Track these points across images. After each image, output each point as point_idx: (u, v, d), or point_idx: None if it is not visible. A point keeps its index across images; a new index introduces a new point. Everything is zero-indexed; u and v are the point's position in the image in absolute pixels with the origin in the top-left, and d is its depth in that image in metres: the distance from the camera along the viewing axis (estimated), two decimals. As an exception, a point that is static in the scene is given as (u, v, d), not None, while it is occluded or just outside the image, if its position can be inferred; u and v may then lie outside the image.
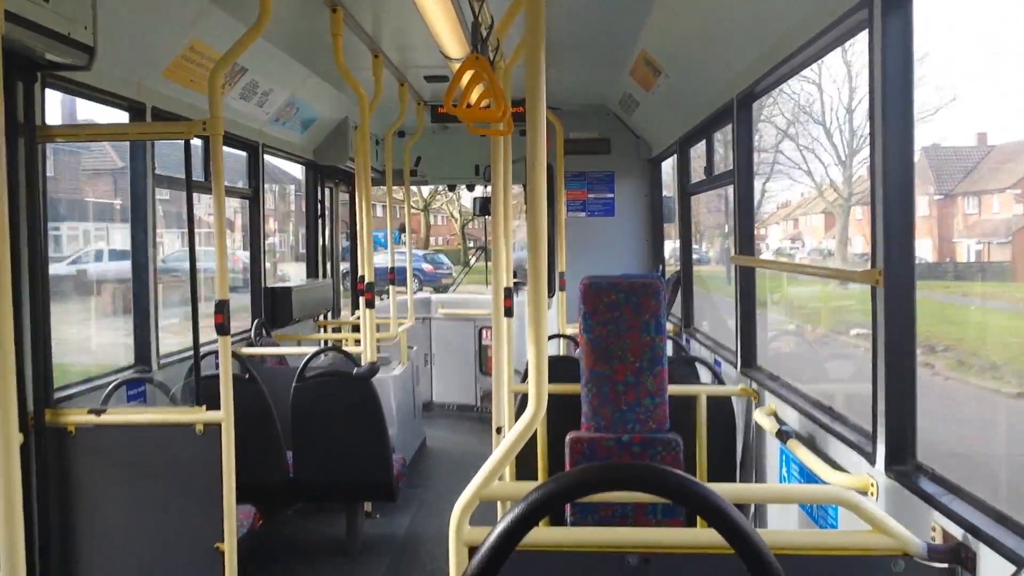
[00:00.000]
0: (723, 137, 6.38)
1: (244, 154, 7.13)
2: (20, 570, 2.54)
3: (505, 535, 1.25)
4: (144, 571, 4.18)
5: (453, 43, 5.40)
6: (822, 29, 3.55)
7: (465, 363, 10.62)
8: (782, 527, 4.30)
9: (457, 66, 4.57)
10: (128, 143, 5.18)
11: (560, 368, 4.75)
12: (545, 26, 2.36)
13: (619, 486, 1.28)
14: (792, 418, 4.12)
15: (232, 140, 6.56)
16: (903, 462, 2.94)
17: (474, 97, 3.93)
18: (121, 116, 4.94)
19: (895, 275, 2.96)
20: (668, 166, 8.90)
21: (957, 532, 2.44)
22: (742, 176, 5.18)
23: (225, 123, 4.11)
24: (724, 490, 2.72)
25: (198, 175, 5.71)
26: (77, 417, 4.10)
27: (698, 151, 7.20)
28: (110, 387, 4.60)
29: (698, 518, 3.57)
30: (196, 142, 4.50)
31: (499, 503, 3.51)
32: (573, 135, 9.05)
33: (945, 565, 2.26)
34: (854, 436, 3.40)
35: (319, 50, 5.47)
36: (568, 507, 3.82)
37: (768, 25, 4.22)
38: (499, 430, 4.30)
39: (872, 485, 3.07)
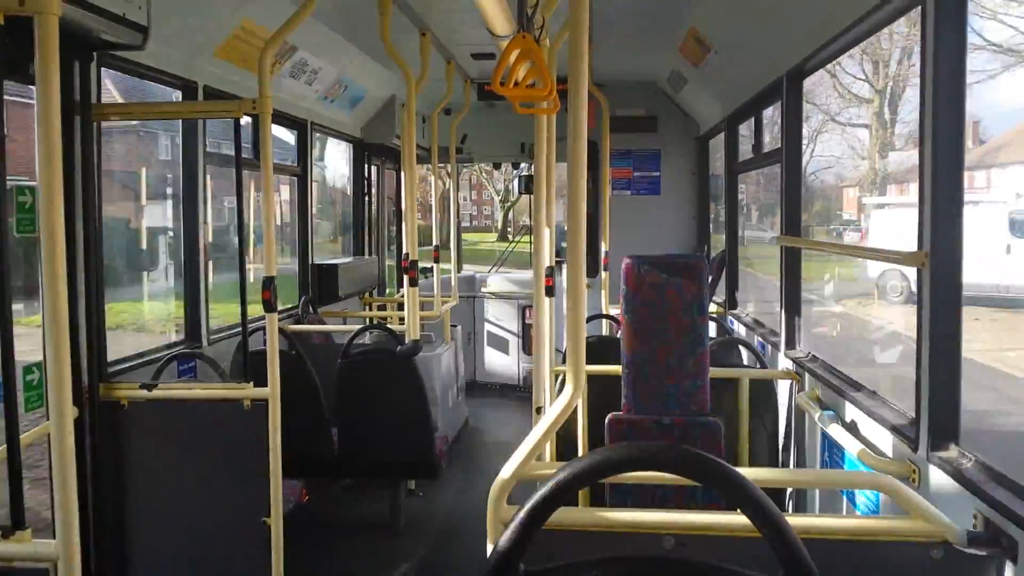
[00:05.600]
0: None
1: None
2: (74, 539, 2.62)
3: (531, 514, 1.26)
4: (194, 544, 4.28)
5: (499, 20, 5.37)
6: (874, 5, 3.47)
7: (509, 342, 10.67)
8: (824, 513, 4.28)
9: (504, 44, 4.57)
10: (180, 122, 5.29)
11: (603, 349, 4.74)
12: (591, 3, 2.35)
13: (646, 466, 1.28)
14: (835, 401, 4.09)
15: (281, 118, 6.65)
16: (946, 448, 2.90)
17: (521, 75, 3.92)
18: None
19: (942, 257, 2.91)
20: (716, 144, 8.81)
21: (999, 520, 2.41)
22: (790, 155, 5.11)
23: (275, 101, 4.16)
24: (760, 475, 2.70)
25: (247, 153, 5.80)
26: (129, 391, 4.21)
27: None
28: (162, 362, 4.70)
29: None
30: (246, 120, 4.57)
31: (538, 483, 3.52)
32: (620, 112, 8.97)
33: (984, 553, 2.23)
34: (896, 420, 3.36)
35: (367, 28, 5.51)
36: (607, 489, 3.83)
37: (818, 1, 4.14)
38: (539, 410, 4.32)
39: (914, 471, 3.04)
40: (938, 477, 2.86)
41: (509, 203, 39.32)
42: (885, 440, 3.42)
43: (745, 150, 7.02)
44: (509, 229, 39.30)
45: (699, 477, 1.27)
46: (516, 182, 13.62)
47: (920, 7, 2.98)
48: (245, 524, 4.18)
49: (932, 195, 2.92)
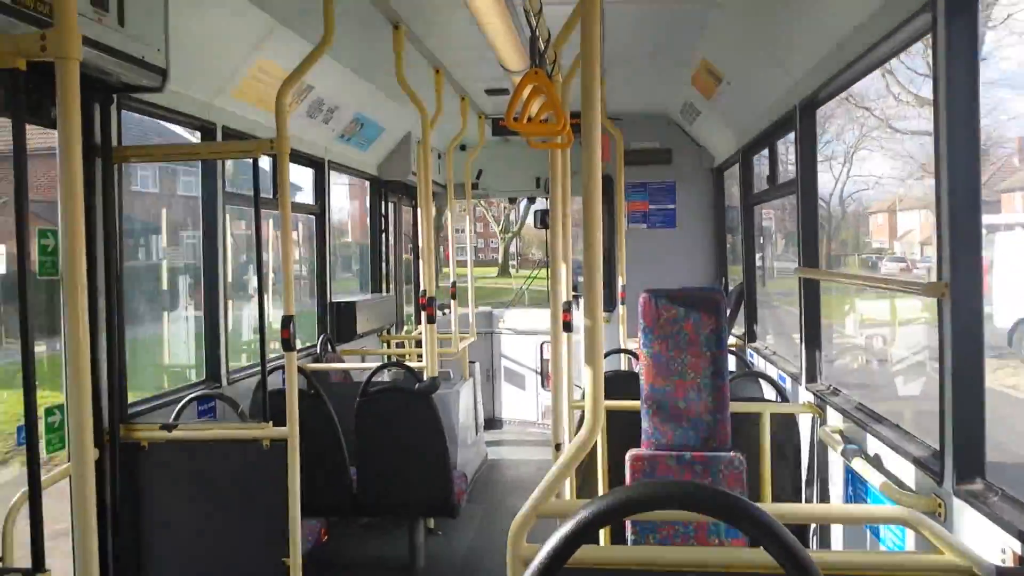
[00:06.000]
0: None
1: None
2: None
3: (553, 553, 1.25)
4: None
5: (512, 57, 5.44)
6: (884, 34, 3.48)
7: (527, 378, 10.61)
8: (848, 548, 4.20)
9: (517, 79, 4.61)
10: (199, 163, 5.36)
11: (621, 384, 4.70)
12: (602, 38, 2.36)
13: (665, 505, 1.27)
14: (858, 434, 4.03)
15: (299, 157, 6.71)
16: (972, 481, 2.84)
17: (534, 109, 3.95)
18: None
19: (962, 288, 2.88)
20: (732, 175, 8.79)
21: None
22: (806, 185, 5.09)
23: (292, 141, 4.20)
24: (782, 510, 2.65)
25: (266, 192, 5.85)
26: (149, 432, 4.21)
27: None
28: (181, 403, 4.70)
29: None
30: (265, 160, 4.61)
31: (558, 520, 3.48)
32: (634, 145, 9.00)
33: None
34: (920, 453, 3.30)
35: (382, 66, 5.58)
36: (629, 526, 3.77)
37: (828, 31, 4.16)
38: (558, 447, 4.29)
39: (939, 505, 2.98)
40: (964, 511, 2.80)
41: (510, 234, 38.50)
42: (909, 474, 3.36)
43: (761, 179, 7.01)
44: (512, 263, 38.55)
45: (721, 514, 1.25)
46: (517, 211, 13.65)
47: (931, 34, 2.98)
48: (264, 564, 4.14)
49: (950, 224, 2.90)
